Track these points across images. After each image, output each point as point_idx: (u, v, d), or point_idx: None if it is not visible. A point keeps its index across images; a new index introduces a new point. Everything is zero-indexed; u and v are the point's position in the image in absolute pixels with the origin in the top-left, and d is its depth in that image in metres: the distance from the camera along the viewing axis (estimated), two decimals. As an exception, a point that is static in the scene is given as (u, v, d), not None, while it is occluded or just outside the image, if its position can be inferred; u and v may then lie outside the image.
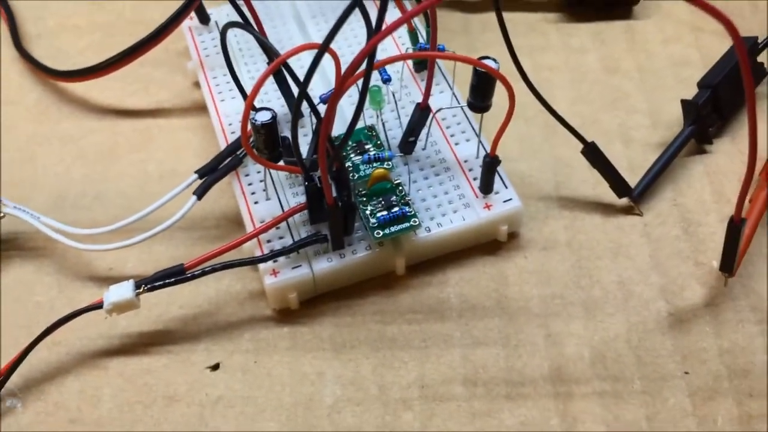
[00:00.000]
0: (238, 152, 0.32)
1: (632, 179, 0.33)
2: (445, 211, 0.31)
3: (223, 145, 0.33)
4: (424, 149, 0.33)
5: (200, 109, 0.36)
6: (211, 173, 0.31)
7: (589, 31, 0.39)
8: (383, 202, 0.30)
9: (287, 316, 0.30)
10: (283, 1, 0.38)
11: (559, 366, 0.29)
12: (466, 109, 0.33)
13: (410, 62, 0.35)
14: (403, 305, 0.30)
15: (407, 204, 0.30)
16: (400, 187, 0.30)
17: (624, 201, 0.33)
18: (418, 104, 0.32)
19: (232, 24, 0.29)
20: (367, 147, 0.31)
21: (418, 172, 0.32)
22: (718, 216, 0.32)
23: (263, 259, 0.29)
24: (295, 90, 0.32)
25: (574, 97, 0.36)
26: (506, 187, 0.31)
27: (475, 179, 0.31)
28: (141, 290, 0.28)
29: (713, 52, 0.37)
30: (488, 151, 0.30)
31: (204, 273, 0.29)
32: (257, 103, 0.28)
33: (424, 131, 0.32)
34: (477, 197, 0.31)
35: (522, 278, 0.31)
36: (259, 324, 0.30)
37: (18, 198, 0.32)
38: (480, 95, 0.29)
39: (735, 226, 0.28)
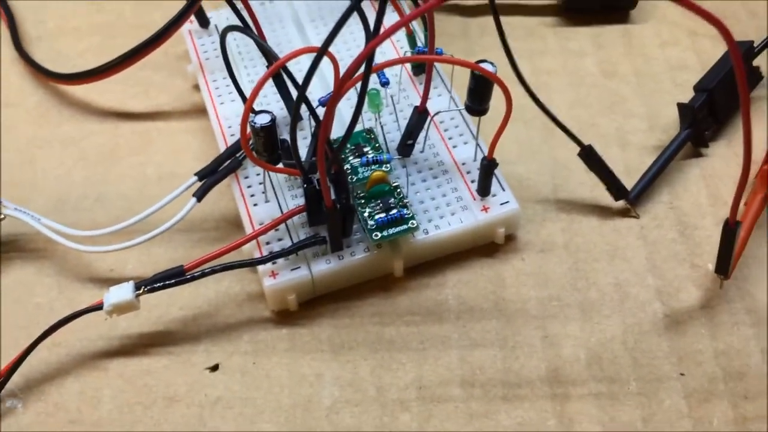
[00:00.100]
0: (238, 155, 0.32)
1: (629, 182, 0.33)
2: (443, 213, 0.31)
3: (222, 148, 0.33)
4: (422, 152, 0.33)
5: (200, 111, 0.37)
6: (211, 175, 0.32)
7: (587, 35, 0.39)
8: (381, 205, 0.30)
9: (286, 318, 0.30)
10: (282, 4, 0.38)
11: (556, 367, 0.29)
12: (464, 113, 0.33)
13: (408, 65, 0.35)
14: (401, 307, 0.31)
15: (405, 206, 0.30)
16: (399, 190, 0.31)
17: (621, 204, 0.33)
18: (416, 107, 0.32)
19: (231, 28, 0.29)
20: (365, 150, 0.32)
21: (416, 174, 0.32)
22: (713, 219, 0.32)
23: (262, 260, 0.29)
24: (294, 93, 0.33)
25: (572, 101, 0.37)
26: (504, 190, 0.31)
27: (472, 182, 0.32)
28: (141, 291, 0.29)
29: (710, 55, 0.37)
30: (486, 153, 0.30)
31: (203, 274, 0.29)
32: (257, 106, 0.28)
33: (422, 134, 0.32)
34: (474, 200, 0.31)
35: (519, 280, 0.31)
36: (258, 325, 0.30)
37: (18, 200, 0.32)
38: (477, 99, 0.29)
39: (730, 229, 0.28)
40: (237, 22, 0.32)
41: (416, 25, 0.36)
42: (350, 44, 0.36)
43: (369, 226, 0.30)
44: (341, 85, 0.25)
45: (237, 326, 0.30)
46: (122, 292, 0.28)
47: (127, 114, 0.37)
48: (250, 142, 0.29)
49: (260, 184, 0.32)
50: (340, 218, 0.29)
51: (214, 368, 0.29)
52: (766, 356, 0.29)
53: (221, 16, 0.38)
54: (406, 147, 0.32)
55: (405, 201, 0.30)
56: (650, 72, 0.38)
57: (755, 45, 0.35)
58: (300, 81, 0.25)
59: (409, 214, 0.30)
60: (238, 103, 0.35)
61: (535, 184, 0.34)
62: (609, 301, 0.30)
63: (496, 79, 0.27)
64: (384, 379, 0.29)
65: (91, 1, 0.42)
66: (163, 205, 0.31)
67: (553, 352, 0.29)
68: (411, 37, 0.35)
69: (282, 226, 0.31)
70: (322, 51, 0.24)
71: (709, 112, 0.34)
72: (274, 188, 0.32)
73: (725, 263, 0.29)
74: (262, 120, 0.28)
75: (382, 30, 0.24)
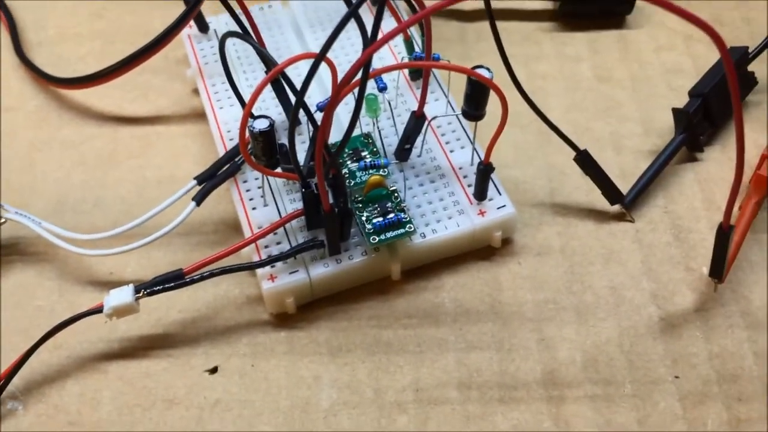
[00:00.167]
0: (237, 159, 0.32)
1: (624, 186, 0.33)
2: (440, 217, 0.31)
3: (221, 152, 0.33)
4: (419, 156, 0.33)
5: (199, 116, 0.37)
6: (210, 179, 0.32)
7: (583, 40, 0.40)
8: (379, 209, 0.30)
9: (284, 321, 0.31)
10: (281, 10, 0.39)
11: (552, 370, 0.29)
12: (461, 117, 0.34)
13: (406, 70, 0.36)
14: (399, 310, 0.31)
15: (403, 210, 0.30)
16: (396, 194, 0.31)
17: (616, 208, 0.33)
18: (413, 112, 0.33)
19: (230, 34, 0.30)
20: (363, 154, 0.32)
21: (414, 178, 0.32)
22: (708, 223, 0.33)
23: (261, 264, 0.30)
24: (293, 98, 0.33)
25: (568, 105, 0.37)
26: (500, 194, 0.32)
27: (469, 186, 0.32)
28: (141, 294, 0.29)
29: (705, 60, 0.37)
30: (482, 158, 0.30)
31: (203, 278, 0.29)
32: (255, 111, 0.28)
33: (419, 139, 0.33)
34: (471, 204, 0.32)
35: (516, 283, 0.31)
36: (257, 328, 0.30)
37: (18, 203, 0.33)
38: (474, 104, 0.30)
39: (724, 233, 0.28)
40: (236, 27, 0.32)
41: (414, 31, 0.36)
42: (348, 50, 0.37)
43: (367, 230, 0.30)
44: (339, 90, 0.25)
45: (236, 329, 0.30)
46: (122, 296, 0.29)
47: (127, 118, 0.37)
48: (249, 146, 0.29)
49: (259, 188, 0.32)
50: (338, 222, 0.29)
51: (213, 371, 0.30)
52: (760, 359, 0.29)
53: (220, 21, 0.38)
54: (403, 151, 0.33)
55: (402, 205, 0.31)
56: (645, 77, 0.38)
57: (750, 51, 0.36)
58: (298, 86, 0.25)
59: (406, 218, 0.30)
60: (237, 107, 0.35)
61: (531, 188, 0.34)
62: (604, 305, 0.31)
63: (492, 85, 0.28)
64: (381, 382, 0.29)
65: (92, 7, 0.42)
66: (162, 208, 0.31)
67: (549, 354, 0.29)
68: (408, 43, 0.35)
69: (280, 230, 0.31)
70: (320, 57, 0.24)
71: (704, 116, 0.35)
72: (272, 192, 0.32)
73: (719, 267, 0.29)
74: (260, 125, 0.28)
75: (379, 36, 0.24)
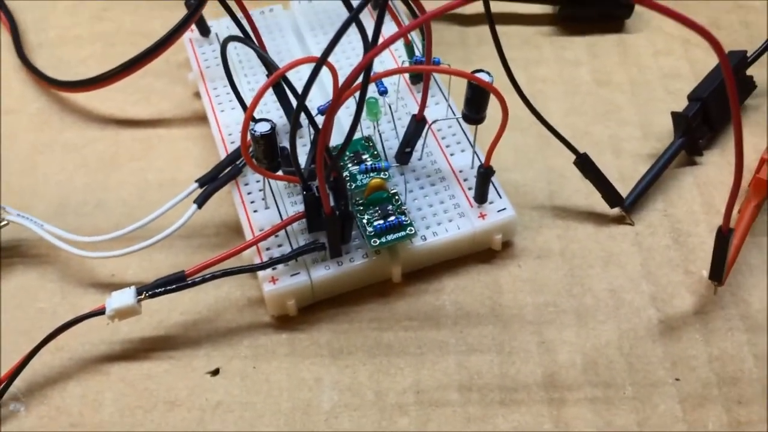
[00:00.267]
0: (238, 162, 0.33)
1: (624, 190, 0.33)
2: (441, 220, 0.31)
3: (222, 155, 0.34)
4: (420, 159, 0.33)
5: (200, 119, 0.37)
6: (211, 182, 0.32)
7: (582, 44, 0.40)
8: (380, 211, 0.30)
9: (286, 323, 0.31)
10: (283, 14, 0.39)
11: (552, 372, 0.29)
12: (461, 121, 0.34)
13: (406, 74, 0.36)
14: (399, 312, 0.31)
15: (403, 213, 0.31)
16: (397, 197, 0.31)
17: (616, 211, 0.33)
18: (414, 116, 0.33)
19: (232, 38, 0.30)
20: (364, 157, 0.32)
21: (414, 181, 0.33)
22: (707, 226, 0.33)
23: (262, 266, 0.30)
24: (294, 102, 0.33)
25: (567, 109, 0.37)
26: (500, 197, 0.32)
27: (469, 189, 0.32)
28: (142, 297, 0.29)
29: (703, 65, 0.38)
30: (483, 161, 0.30)
31: (204, 280, 0.29)
32: (256, 114, 0.28)
33: (420, 142, 0.33)
34: (472, 207, 0.32)
35: (516, 286, 0.31)
36: (258, 330, 0.31)
37: (20, 206, 0.33)
38: (474, 107, 0.30)
39: (723, 236, 0.28)
40: (237, 31, 0.32)
41: (414, 35, 0.36)
42: (349, 53, 0.37)
43: (367, 233, 0.30)
44: (340, 94, 0.25)
45: (237, 331, 0.31)
46: (124, 298, 0.29)
47: (129, 121, 0.38)
48: (251, 149, 0.29)
49: (260, 191, 0.32)
50: (339, 225, 0.29)
51: (215, 372, 0.30)
52: (760, 362, 0.29)
53: (221, 24, 0.39)
54: (404, 155, 0.33)
55: (403, 208, 0.31)
56: (644, 81, 0.38)
57: (748, 55, 0.36)
58: (299, 90, 0.25)
59: (407, 220, 0.30)
60: (239, 111, 0.35)
61: (531, 192, 0.34)
62: (604, 307, 0.31)
63: (493, 89, 0.28)
64: (382, 384, 0.29)
65: (92, 9, 0.42)
66: (164, 211, 0.31)
67: (549, 357, 0.30)
68: (409, 47, 0.36)
69: (282, 233, 0.31)
70: (322, 61, 0.24)
71: (703, 120, 0.35)
72: (273, 195, 0.32)
73: (719, 270, 0.29)
74: (262, 128, 0.28)
75: (380, 40, 0.24)
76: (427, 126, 0.33)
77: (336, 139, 0.32)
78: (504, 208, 0.32)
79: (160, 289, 0.29)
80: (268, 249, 0.31)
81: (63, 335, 0.29)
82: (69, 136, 0.37)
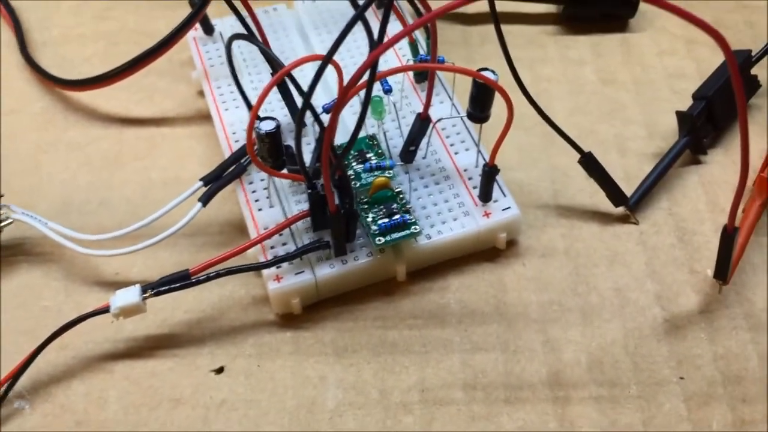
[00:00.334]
0: (242, 160, 0.33)
1: (628, 189, 0.33)
2: (445, 218, 0.31)
3: (226, 154, 0.34)
4: (424, 158, 0.33)
5: (203, 117, 0.37)
6: (216, 181, 0.32)
7: (587, 43, 0.40)
8: (384, 210, 0.30)
9: (290, 321, 0.31)
10: (286, 13, 0.39)
11: (557, 371, 0.29)
12: (466, 120, 0.34)
13: (411, 73, 0.36)
14: (404, 311, 0.31)
15: (408, 211, 0.31)
16: (401, 195, 0.31)
17: (620, 210, 0.33)
18: (418, 114, 0.33)
19: (237, 36, 0.30)
20: (368, 156, 0.32)
21: (419, 180, 0.33)
22: (712, 225, 0.33)
23: (267, 264, 0.30)
24: (298, 100, 0.33)
25: (572, 108, 0.37)
26: (505, 196, 0.32)
27: (474, 188, 0.32)
28: (147, 295, 0.29)
29: (708, 64, 0.38)
30: (487, 160, 0.30)
31: (209, 278, 0.29)
32: (260, 113, 0.28)
33: (424, 141, 0.33)
34: (476, 205, 0.32)
35: (520, 285, 0.31)
36: (263, 328, 0.31)
37: (24, 204, 0.33)
38: (479, 106, 0.30)
39: (728, 235, 0.28)
40: (241, 29, 0.32)
41: (418, 34, 0.36)
42: (353, 52, 0.37)
43: (372, 231, 0.30)
44: (345, 92, 0.25)
45: (241, 329, 0.31)
46: (129, 296, 0.29)
47: (132, 120, 0.38)
48: (255, 147, 0.29)
49: (264, 189, 0.32)
50: (344, 223, 0.29)
51: (219, 371, 0.30)
52: (764, 360, 0.29)
53: (225, 23, 0.39)
54: (408, 153, 0.33)
55: (408, 206, 0.31)
56: (648, 80, 0.38)
57: (753, 54, 0.36)
58: (304, 88, 0.25)
59: (411, 219, 0.30)
60: (243, 109, 0.35)
61: (535, 190, 0.34)
62: (609, 306, 0.31)
63: (498, 87, 0.28)
64: (387, 382, 0.29)
65: (96, 8, 0.42)
66: (168, 209, 0.31)
67: (554, 356, 0.30)
68: (413, 46, 0.36)
69: (286, 231, 0.31)
70: (328, 59, 0.24)
71: (708, 119, 0.35)
72: (278, 194, 0.32)
73: (724, 269, 0.29)
74: (267, 126, 0.28)
75: (385, 39, 0.24)
76: (431, 125, 0.33)
77: (339, 138, 0.32)
78: (508, 207, 0.32)
79: (164, 287, 0.29)
80: (272, 247, 0.31)
81: (67, 333, 0.29)
82: (73, 135, 0.37)
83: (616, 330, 0.30)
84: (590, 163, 0.33)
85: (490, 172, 0.31)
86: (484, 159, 0.32)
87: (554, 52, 0.40)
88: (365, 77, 0.25)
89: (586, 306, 0.31)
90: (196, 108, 0.38)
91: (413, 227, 0.30)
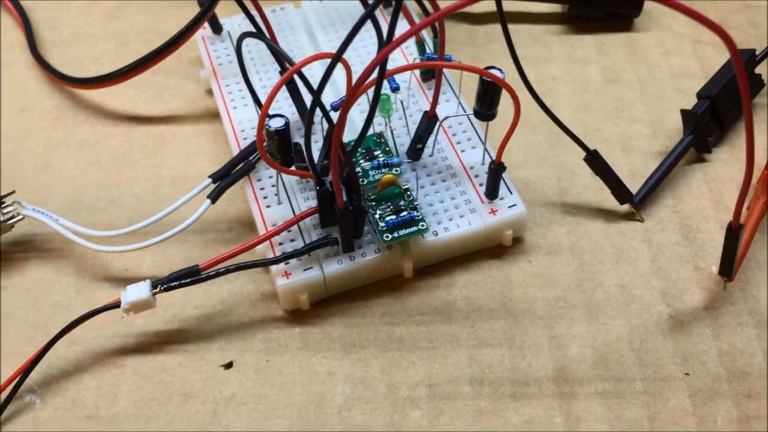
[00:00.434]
0: (251, 157, 0.33)
1: (633, 186, 0.34)
2: (452, 215, 0.32)
3: (235, 151, 0.34)
4: (431, 156, 0.33)
5: (212, 115, 0.37)
6: (225, 178, 0.32)
7: (592, 42, 0.40)
8: (392, 207, 0.31)
9: (298, 317, 0.31)
10: (293, 12, 0.39)
11: (563, 367, 0.29)
12: (472, 118, 0.34)
13: (417, 72, 0.36)
14: (411, 307, 0.31)
15: (415, 208, 0.31)
16: (408, 192, 0.31)
17: (625, 207, 0.34)
18: (425, 112, 0.33)
19: (248, 34, 0.30)
20: (376, 153, 0.32)
21: (426, 177, 0.33)
22: (717, 223, 0.33)
23: (275, 261, 0.30)
24: (306, 98, 0.33)
25: (577, 107, 0.37)
26: (511, 193, 0.32)
27: (480, 185, 0.32)
28: (157, 290, 0.29)
29: (712, 63, 0.38)
30: (494, 158, 0.31)
31: (218, 274, 0.29)
32: (269, 110, 0.29)
33: (431, 138, 0.33)
34: (483, 203, 0.32)
35: (526, 281, 0.32)
36: (271, 324, 0.31)
37: (35, 201, 0.33)
38: (486, 104, 0.30)
39: (733, 232, 0.29)
40: (250, 28, 0.32)
41: (425, 34, 0.37)
42: (360, 51, 0.37)
43: (380, 228, 0.30)
44: (355, 89, 0.25)
45: (250, 325, 0.31)
46: (139, 291, 0.29)
47: (141, 118, 0.38)
48: (264, 144, 0.29)
49: (273, 186, 0.33)
50: (352, 220, 0.30)
51: (228, 366, 0.30)
52: (769, 356, 0.30)
53: (233, 22, 0.39)
54: (415, 151, 0.33)
55: (415, 203, 0.31)
56: (653, 79, 0.38)
57: (757, 54, 0.36)
58: (313, 86, 0.26)
59: (418, 216, 0.31)
60: (251, 107, 0.35)
61: (541, 188, 0.34)
62: (614, 303, 0.31)
63: (505, 85, 0.28)
64: (394, 377, 0.29)
65: (105, 8, 0.42)
66: (178, 206, 0.31)
67: (560, 351, 0.30)
68: (420, 45, 0.36)
69: (294, 228, 0.31)
70: (338, 56, 0.24)
71: (712, 118, 0.35)
72: (286, 190, 0.33)
73: (729, 265, 0.30)
74: (276, 123, 0.28)
75: (394, 37, 0.24)
76: (438, 123, 0.33)
77: (346, 136, 0.32)
78: (515, 204, 0.32)
79: (174, 283, 0.29)
80: (281, 244, 0.31)
81: (78, 328, 0.29)
82: (83, 133, 0.37)
83: (622, 326, 0.30)
84: (596, 161, 0.33)
85: (496, 170, 0.31)
86: (490, 157, 0.33)
87: (559, 51, 0.40)
88: (374, 75, 0.25)
89: (591, 302, 0.31)
90: (204, 106, 0.38)
91: (420, 224, 0.31)
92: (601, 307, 0.31)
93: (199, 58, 0.39)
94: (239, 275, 0.31)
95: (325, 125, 0.31)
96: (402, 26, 0.36)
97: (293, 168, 0.30)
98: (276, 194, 0.32)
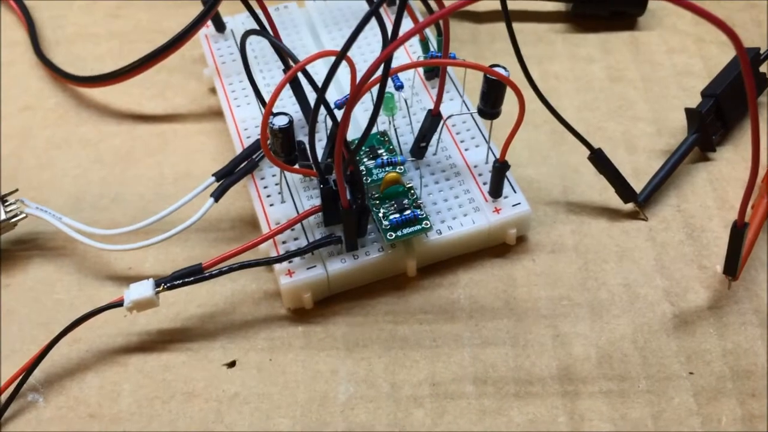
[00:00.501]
0: (254, 156, 0.33)
1: (637, 185, 0.33)
2: (456, 214, 0.32)
3: (238, 150, 0.34)
4: (435, 154, 0.33)
5: (215, 114, 0.37)
6: (228, 176, 0.32)
7: (595, 41, 0.40)
8: (395, 205, 0.31)
9: (301, 316, 0.31)
10: (297, 11, 0.39)
11: (567, 365, 0.29)
12: (476, 116, 0.34)
13: (421, 70, 0.36)
14: (415, 306, 0.31)
15: (419, 207, 0.31)
16: (412, 191, 0.31)
17: (629, 206, 0.34)
18: (429, 111, 0.33)
19: (252, 32, 0.30)
20: (379, 152, 0.32)
21: (429, 176, 0.33)
22: (721, 221, 0.33)
23: (279, 259, 0.30)
24: (309, 96, 0.33)
25: (580, 105, 0.37)
26: (515, 192, 0.32)
27: (484, 184, 0.32)
28: (160, 289, 0.29)
29: (716, 62, 0.38)
30: (498, 156, 0.31)
31: (221, 273, 0.29)
32: (272, 109, 0.29)
33: (435, 137, 0.33)
34: (486, 201, 0.32)
35: (530, 280, 0.32)
36: (275, 323, 0.31)
37: (38, 199, 0.33)
38: (490, 102, 0.30)
39: (738, 231, 0.28)
40: (253, 26, 0.32)
41: (429, 32, 0.37)
42: (363, 49, 0.37)
43: (383, 226, 0.30)
44: (360, 87, 0.25)
45: (253, 323, 0.31)
46: (143, 289, 0.29)
47: (145, 116, 0.38)
48: (268, 142, 0.29)
49: (276, 184, 0.32)
50: (355, 218, 0.30)
51: (232, 364, 0.30)
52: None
53: (237, 21, 0.39)
54: (419, 149, 0.33)
55: (418, 202, 0.31)
56: (657, 77, 0.38)
57: (761, 52, 0.36)
58: (317, 84, 0.26)
59: (422, 214, 0.31)
60: (254, 106, 0.35)
61: (545, 187, 0.34)
62: (618, 301, 0.31)
63: (510, 83, 0.28)
64: (398, 376, 0.29)
65: (108, 7, 0.42)
66: (181, 204, 0.31)
67: (563, 350, 0.30)
68: (424, 43, 0.36)
69: (298, 226, 0.31)
70: (342, 54, 0.24)
71: (716, 116, 0.35)
72: (290, 189, 0.32)
73: (733, 264, 0.30)
74: (280, 122, 0.28)
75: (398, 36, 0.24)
76: (442, 121, 0.33)
77: (350, 134, 0.32)
78: (518, 203, 0.32)
79: (177, 282, 0.29)
80: (284, 242, 0.31)
81: (80, 327, 0.29)
82: (86, 131, 0.37)
83: (626, 325, 0.30)
84: (600, 160, 0.33)
85: (500, 168, 0.31)
86: (494, 155, 0.32)
87: (563, 49, 0.40)
88: (378, 73, 0.25)
89: (595, 301, 0.31)
90: (207, 104, 0.38)
91: (424, 223, 0.30)
92: (605, 306, 0.31)
93: (202, 57, 0.39)
94: (242, 274, 0.31)
95: (329, 123, 0.31)
96: (406, 24, 0.36)
97: (297, 166, 0.30)
98: (279, 192, 0.32)
